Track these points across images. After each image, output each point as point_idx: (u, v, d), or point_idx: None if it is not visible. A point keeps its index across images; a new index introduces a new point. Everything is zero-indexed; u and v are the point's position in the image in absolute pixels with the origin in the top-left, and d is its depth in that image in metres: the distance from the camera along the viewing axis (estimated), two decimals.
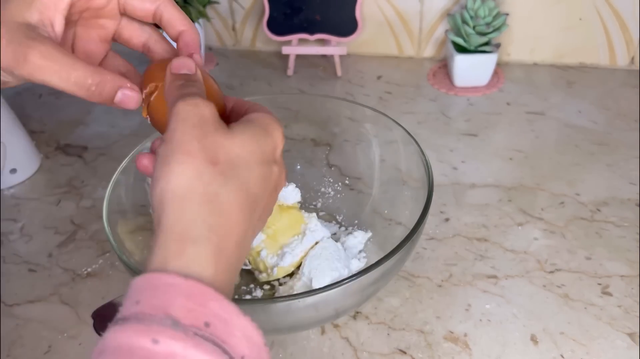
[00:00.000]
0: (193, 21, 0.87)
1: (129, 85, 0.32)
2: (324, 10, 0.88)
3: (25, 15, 0.30)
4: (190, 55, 0.34)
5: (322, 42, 0.93)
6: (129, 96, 0.32)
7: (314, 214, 0.55)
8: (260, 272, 0.54)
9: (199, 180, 0.26)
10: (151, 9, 0.35)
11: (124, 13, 0.36)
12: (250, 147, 0.28)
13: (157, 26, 0.37)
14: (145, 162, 0.31)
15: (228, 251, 0.26)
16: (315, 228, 0.54)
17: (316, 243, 0.54)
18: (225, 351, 0.23)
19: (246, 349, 0.24)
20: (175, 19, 0.35)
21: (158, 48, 0.37)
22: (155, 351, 0.21)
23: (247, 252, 0.29)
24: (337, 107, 0.63)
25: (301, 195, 0.56)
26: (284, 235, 0.54)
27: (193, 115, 0.27)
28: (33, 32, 0.30)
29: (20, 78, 0.30)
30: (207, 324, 0.23)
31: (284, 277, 0.55)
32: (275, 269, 0.53)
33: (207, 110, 0.28)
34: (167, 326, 0.22)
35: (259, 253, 0.53)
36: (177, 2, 0.88)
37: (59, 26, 0.32)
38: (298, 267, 0.54)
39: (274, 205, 0.32)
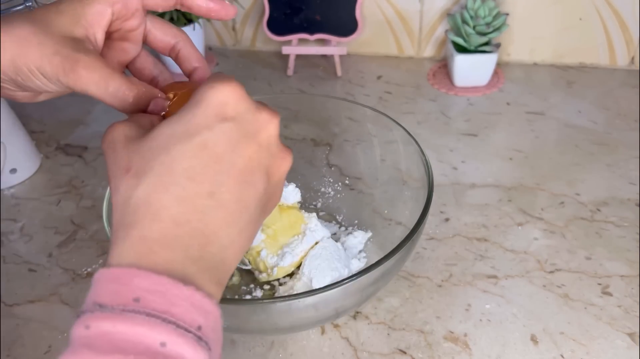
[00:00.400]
0: (193, 21, 0.87)
1: (159, 94, 0.34)
2: (324, 10, 0.88)
3: (72, 31, 0.33)
4: None
5: (322, 42, 0.93)
6: (159, 105, 0.34)
7: (314, 214, 0.55)
8: (260, 272, 0.54)
9: (116, 193, 0.28)
10: (171, 42, 0.38)
11: (145, 42, 0.38)
12: (166, 132, 0.28)
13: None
14: None
15: (155, 232, 0.26)
16: (316, 228, 0.54)
17: (316, 243, 0.54)
18: (167, 321, 0.24)
19: (200, 318, 0.25)
20: (192, 55, 0.38)
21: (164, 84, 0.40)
22: (89, 335, 0.23)
23: (209, 223, 0.27)
24: (337, 107, 0.63)
25: (301, 195, 0.56)
26: (284, 235, 0.54)
27: (107, 142, 0.29)
28: (80, 45, 0.32)
29: (63, 87, 0.33)
30: (136, 300, 0.24)
31: (284, 277, 0.55)
32: (275, 269, 0.53)
33: (115, 132, 0.29)
34: (95, 311, 0.24)
35: (259, 253, 0.53)
36: None
37: (100, 41, 0.34)
38: (298, 267, 0.54)
39: (264, 158, 0.29)
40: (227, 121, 0.28)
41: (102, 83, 0.32)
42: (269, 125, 0.29)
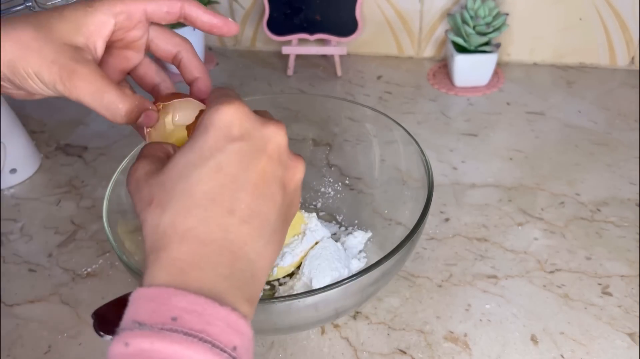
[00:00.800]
0: None
1: (150, 107, 0.35)
2: (324, 10, 0.88)
3: (73, 39, 0.33)
4: (202, 101, 0.37)
5: (322, 42, 0.93)
6: (150, 117, 0.35)
7: (314, 214, 0.55)
8: None
9: (145, 224, 0.29)
10: (173, 51, 0.38)
11: (147, 49, 0.38)
12: (181, 161, 0.29)
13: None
14: None
15: (183, 253, 0.27)
16: (316, 228, 0.54)
17: (316, 243, 0.54)
18: (203, 340, 0.24)
19: (236, 339, 0.25)
20: (193, 65, 0.38)
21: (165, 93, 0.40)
22: (127, 353, 0.24)
23: (235, 240, 0.28)
24: (337, 107, 0.63)
25: (301, 195, 0.55)
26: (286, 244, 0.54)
27: (132, 183, 0.30)
28: (78, 55, 0.33)
29: (58, 93, 0.33)
30: (174, 319, 0.24)
31: (284, 277, 0.55)
32: (275, 269, 0.53)
33: (137, 172, 0.30)
34: (135, 329, 0.24)
35: None
36: None
37: (100, 50, 0.35)
38: (298, 267, 0.54)
39: (276, 177, 0.30)
40: (236, 141, 0.29)
41: (97, 95, 0.33)
42: (276, 137, 0.30)
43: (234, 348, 0.25)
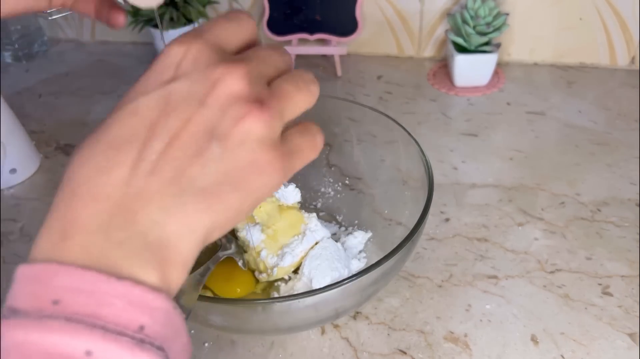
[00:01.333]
0: (193, 21, 0.87)
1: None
2: (324, 10, 0.88)
3: None
4: None
5: (322, 42, 0.93)
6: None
7: (314, 214, 0.55)
8: (260, 272, 0.54)
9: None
10: None
11: None
12: (117, 104, 0.25)
13: None
14: None
15: (70, 212, 0.23)
16: (316, 228, 0.54)
17: (316, 243, 0.54)
18: (93, 325, 0.20)
19: (143, 317, 0.21)
20: None
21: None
22: (3, 347, 0.20)
23: (137, 196, 0.23)
24: (337, 107, 0.63)
25: (301, 195, 0.56)
26: (284, 235, 0.54)
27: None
28: None
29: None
30: (55, 302, 0.20)
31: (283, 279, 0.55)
32: (275, 269, 0.53)
33: None
34: (10, 318, 0.21)
35: (258, 253, 0.53)
36: (177, 2, 0.88)
37: None
38: (298, 267, 0.54)
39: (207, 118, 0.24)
40: (170, 82, 0.24)
41: None
42: (224, 83, 0.24)
43: (141, 328, 0.21)
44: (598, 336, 0.51)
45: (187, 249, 0.24)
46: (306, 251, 0.53)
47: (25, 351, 0.20)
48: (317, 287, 0.48)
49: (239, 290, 0.53)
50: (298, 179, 0.64)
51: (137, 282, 0.22)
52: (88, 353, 0.20)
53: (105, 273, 0.21)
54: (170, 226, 0.23)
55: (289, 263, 0.53)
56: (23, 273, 0.22)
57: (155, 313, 0.22)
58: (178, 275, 0.23)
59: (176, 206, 0.23)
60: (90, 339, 0.20)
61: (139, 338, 0.21)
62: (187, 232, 0.23)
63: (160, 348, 0.21)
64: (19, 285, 0.21)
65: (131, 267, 0.22)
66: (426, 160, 0.52)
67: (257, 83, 0.25)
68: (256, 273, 0.55)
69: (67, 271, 0.21)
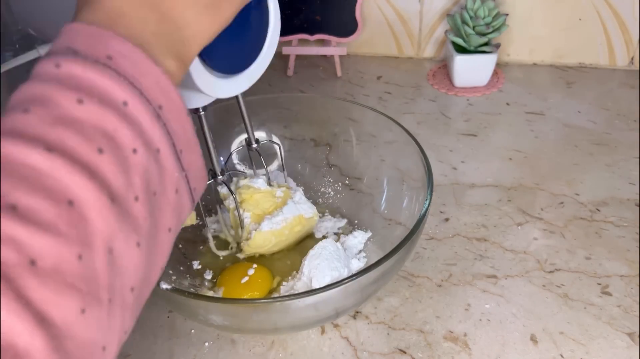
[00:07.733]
0: None
1: None
2: (324, 11, 0.89)
3: None
4: None
5: (322, 43, 0.93)
6: None
7: (301, 188, 0.57)
8: (240, 238, 0.56)
9: None
10: None
11: None
12: None
13: None
14: None
15: (110, 2, 0.26)
16: (300, 201, 0.56)
17: (316, 243, 0.54)
18: (134, 85, 0.24)
19: (162, 99, 0.26)
20: None
21: None
22: (57, 73, 0.23)
23: (164, 0, 0.27)
24: (337, 107, 0.63)
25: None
26: (269, 213, 0.56)
27: None
28: None
29: None
30: (109, 57, 0.24)
31: (283, 278, 0.55)
32: (253, 232, 0.55)
33: None
34: (69, 55, 0.24)
35: (243, 221, 0.56)
36: None
37: None
38: (297, 268, 0.54)
39: None
40: None
41: None
42: None
43: (160, 107, 0.25)
44: (597, 335, 0.51)
45: (196, 51, 0.29)
46: (287, 220, 0.55)
47: (81, 82, 0.23)
48: (317, 287, 0.48)
49: (257, 293, 0.53)
50: (298, 179, 0.64)
51: (166, 70, 0.26)
52: (125, 103, 0.24)
53: (146, 54, 0.25)
54: (188, 32, 0.28)
55: (267, 228, 0.54)
56: (79, 28, 0.25)
57: (171, 104, 0.26)
58: (183, 72, 0.29)
59: (195, 17, 0.28)
60: (130, 94, 0.24)
61: (158, 114, 0.25)
62: (200, 39, 0.29)
63: (168, 134, 0.26)
64: (74, 34, 0.25)
65: (160, 54, 0.27)
66: (426, 160, 0.52)
67: None
68: (235, 242, 0.58)
69: (120, 39, 0.25)
